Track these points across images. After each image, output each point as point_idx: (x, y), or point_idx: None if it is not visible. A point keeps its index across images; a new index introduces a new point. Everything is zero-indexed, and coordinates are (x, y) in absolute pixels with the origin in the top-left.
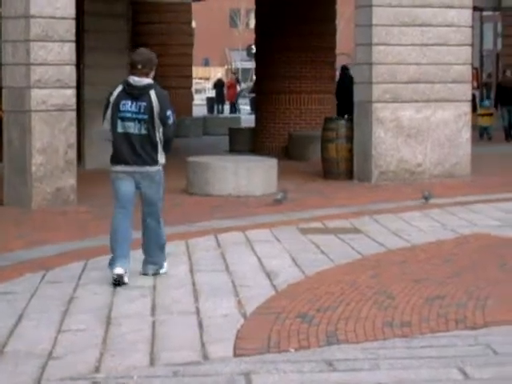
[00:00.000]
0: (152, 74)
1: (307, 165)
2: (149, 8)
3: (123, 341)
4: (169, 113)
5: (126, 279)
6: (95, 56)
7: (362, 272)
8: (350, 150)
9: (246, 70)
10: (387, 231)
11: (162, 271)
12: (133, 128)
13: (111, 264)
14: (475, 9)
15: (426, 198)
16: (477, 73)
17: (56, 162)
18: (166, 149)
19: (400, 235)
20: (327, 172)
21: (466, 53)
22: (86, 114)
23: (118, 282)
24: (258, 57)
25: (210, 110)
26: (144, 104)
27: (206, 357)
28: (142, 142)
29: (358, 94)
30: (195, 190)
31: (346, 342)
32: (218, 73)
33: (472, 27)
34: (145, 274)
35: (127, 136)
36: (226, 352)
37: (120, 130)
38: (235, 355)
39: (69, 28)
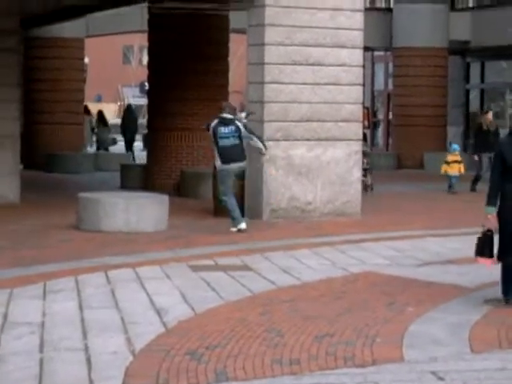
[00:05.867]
0: (232, 113)
1: (199, 202)
2: (41, 43)
3: (10, 378)
4: (248, 128)
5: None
6: None
7: (252, 309)
8: (242, 188)
9: (138, 107)
10: (278, 269)
11: (232, 229)
12: (228, 141)
13: (236, 223)
14: (367, 49)
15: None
16: (368, 112)
17: None
18: (261, 139)
19: (290, 273)
20: (218, 209)
21: (357, 92)
22: None
23: (243, 231)
24: (150, 94)
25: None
26: (233, 127)
27: None
28: (236, 149)
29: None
30: (85, 226)
31: (235, 379)
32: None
33: (363, 67)
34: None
35: (226, 147)
36: None
37: (221, 143)
38: None
39: None
